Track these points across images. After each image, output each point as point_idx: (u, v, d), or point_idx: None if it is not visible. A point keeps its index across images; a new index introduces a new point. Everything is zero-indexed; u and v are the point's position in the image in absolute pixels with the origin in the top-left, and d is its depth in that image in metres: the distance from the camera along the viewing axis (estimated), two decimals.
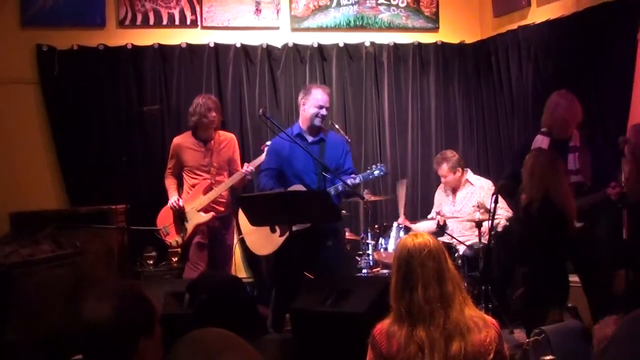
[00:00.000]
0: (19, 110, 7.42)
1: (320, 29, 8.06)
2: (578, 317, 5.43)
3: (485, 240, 6.51)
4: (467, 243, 6.96)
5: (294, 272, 5.90)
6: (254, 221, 5.93)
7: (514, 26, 7.62)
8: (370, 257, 6.89)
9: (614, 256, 5.34)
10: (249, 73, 7.84)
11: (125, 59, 7.58)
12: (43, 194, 7.42)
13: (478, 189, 7.20)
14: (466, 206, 7.19)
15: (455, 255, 6.76)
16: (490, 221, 6.19)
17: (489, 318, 3.23)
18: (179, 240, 6.67)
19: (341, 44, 8.02)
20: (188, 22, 7.76)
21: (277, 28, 7.97)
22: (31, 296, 5.62)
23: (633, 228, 5.01)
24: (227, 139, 6.80)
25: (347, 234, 7.14)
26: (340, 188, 5.91)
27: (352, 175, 6.00)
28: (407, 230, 6.95)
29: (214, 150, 6.67)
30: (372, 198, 7.15)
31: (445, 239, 7.01)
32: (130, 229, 6.91)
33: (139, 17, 7.66)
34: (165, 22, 7.71)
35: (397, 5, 8.20)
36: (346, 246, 7.20)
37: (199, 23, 7.80)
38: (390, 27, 8.21)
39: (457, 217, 7.21)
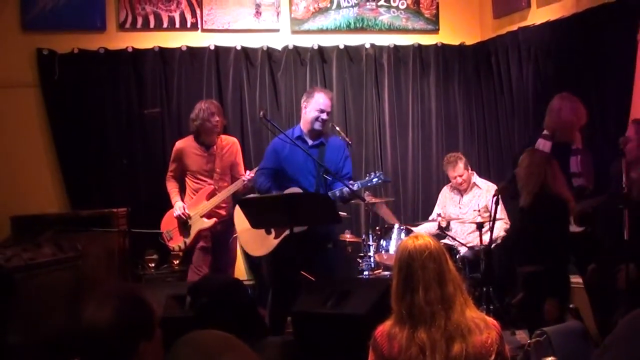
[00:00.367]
0: (20, 114, 7.43)
1: (321, 31, 8.06)
2: (579, 317, 5.42)
3: (486, 242, 6.50)
4: (469, 245, 6.95)
5: (290, 275, 5.91)
6: (255, 223, 5.93)
7: (514, 27, 7.62)
8: (372, 259, 6.89)
9: (615, 256, 5.33)
10: (250, 75, 7.84)
11: (126, 62, 7.59)
12: (44, 197, 7.43)
13: (485, 192, 7.21)
14: (471, 209, 7.19)
15: (457, 256, 6.76)
16: (491, 222, 6.18)
17: (490, 319, 3.23)
18: (182, 245, 6.67)
19: (341, 46, 8.02)
20: (188, 25, 7.76)
21: (278, 30, 7.98)
22: (33, 299, 5.62)
23: (634, 228, 5.01)
24: (230, 143, 6.80)
25: (348, 236, 7.16)
26: (337, 193, 5.90)
27: (351, 182, 5.98)
28: (408, 232, 6.95)
29: (217, 156, 6.66)
30: (373, 200, 7.15)
31: (446, 240, 7.01)
32: (132, 232, 6.91)
33: (140, 20, 7.66)
34: (165, 25, 7.72)
35: (397, 7, 8.20)
36: (347, 248, 7.22)
37: (199, 26, 7.80)
38: (390, 29, 8.21)
39: (461, 219, 7.21)
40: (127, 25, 7.65)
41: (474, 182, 7.32)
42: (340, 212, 6.16)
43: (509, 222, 7.09)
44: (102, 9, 7.59)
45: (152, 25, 7.69)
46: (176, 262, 7.03)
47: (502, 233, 7.00)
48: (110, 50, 7.56)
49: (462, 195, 7.36)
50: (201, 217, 6.58)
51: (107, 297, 2.40)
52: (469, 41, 8.29)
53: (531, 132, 7.16)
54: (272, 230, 6.08)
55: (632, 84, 6.17)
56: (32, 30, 7.44)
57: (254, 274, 7.40)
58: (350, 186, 5.91)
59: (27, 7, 7.42)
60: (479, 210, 7.02)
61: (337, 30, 8.11)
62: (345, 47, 8.03)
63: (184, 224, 6.63)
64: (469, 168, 7.35)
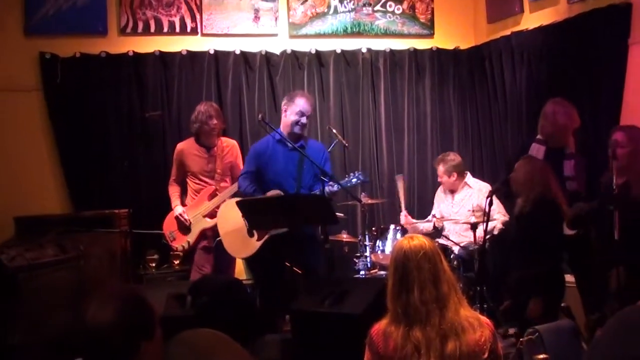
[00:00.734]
0: (23, 117, 7.43)
1: (318, 35, 8.07)
2: (570, 316, 5.44)
3: (480, 242, 6.51)
4: (463, 244, 6.96)
5: (274, 274, 5.94)
6: (253, 224, 5.95)
7: (508, 32, 7.63)
8: (368, 259, 6.90)
9: (607, 257, 5.34)
10: (249, 79, 7.85)
11: (127, 66, 7.59)
12: (47, 198, 7.43)
13: (476, 191, 7.20)
14: (464, 208, 7.19)
15: (451, 256, 6.76)
16: (485, 223, 6.20)
17: (483, 318, 3.25)
18: (185, 245, 6.69)
19: (338, 50, 8.03)
20: (188, 29, 7.77)
21: (276, 35, 7.99)
22: (36, 299, 5.63)
23: (624, 229, 5.02)
24: (230, 145, 6.82)
25: (345, 236, 7.17)
26: (318, 194, 5.93)
27: (330, 183, 5.99)
28: (404, 232, 6.96)
29: (217, 157, 6.68)
30: (370, 201, 7.17)
31: (441, 240, 7.02)
32: (133, 233, 6.91)
33: (140, 25, 7.67)
34: (166, 29, 7.72)
35: (393, 12, 8.21)
36: (344, 248, 7.22)
37: (199, 30, 7.81)
38: (386, 34, 8.22)
39: (454, 219, 7.22)
40: (128, 30, 7.65)
41: (466, 182, 7.31)
42: (337, 214, 6.19)
43: (507, 215, 7.07)
44: (104, 13, 7.59)
45: (152, 29, 7.70)
46: (176, 262, 7.03)
47: (499, 225, 6.99)
48: (112, 54, 7.56)
49: (453, 195, 7.36)
50: (204, 216, 6.59)
51: (108, 298, 2.41)
52: (464, 45, 8.30)
53: (524, 134, 7.18)
54: (255, 233, 6.11)
55: (623, 87, 6.19)
56: (35, 34, 7.44)
57: (253, 273, 7.40)
58: (330, 187, 5.93)
59: (31, 12, 7.42)
60: (473, 210, 7.02)
61: (334, 34, 8.12)
62: (342, 51, 8.04)
63: (185, 225, 6.64)
64: (454, 175, 7.24)
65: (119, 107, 7.57)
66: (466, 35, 8.36)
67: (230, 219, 6.23)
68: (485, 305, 6.26)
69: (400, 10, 8.23)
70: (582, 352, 4.03)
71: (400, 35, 8.25)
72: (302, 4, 8.03)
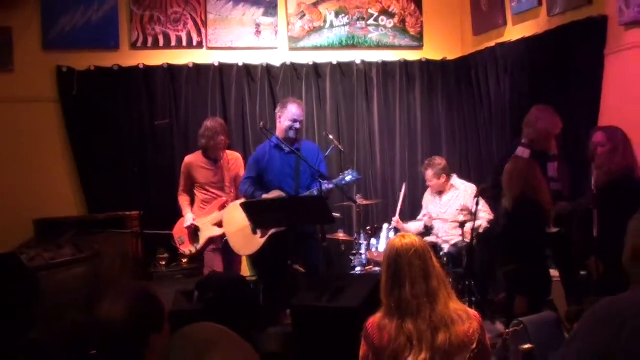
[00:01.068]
0: (42, 127, 7.42)
1: (315, 48, 8.06)
2: (554, 308, 5.42)
3: (468, 239, 6.50)
4: (452, 242, 6.95)
5: (278, 270, 5.93)
6: (257, 224, 5.94)
7: (492, 44, 7.61)
8: (363, 256, 6.88)
9: (586, 253, 5.33)
10: (251, 89, 7.83)
11: (138, 78, 7.58)
12: (64, 202, 7.42)
13: (462, 192, 7.19)
14: (451, 208, 7.17)
15: (441, 253, 6.75)
16: (472, 222, 6.18)
17: (471, 311, 3.24)
18: (193, 250, 6.65)
19: (334, 62, 8.02)
20: (194, 43, 7.76)
21: (276, 48, 7.97)
22: (53, 296, 5.60)
23: (602, 226, 5.02)
24: (235, 158, 6.77)
25: (341, 235, 7.15)
26: (315, 192, 5.93)
27: (325, 182, 5.98)
28: (396, 231, 6.95)
29: (224, 169, 6.64)
30: (364, 202, 7.15)
31: (431, 238, 7.01)
32: (144, 233, 6.90)
33: (150, 40, 7.66)
34: (173, 43, 7.71)
35: (384, 26, 8.20)
36: (341, 246, 7.22)
37: (204, 44, 7.79)
38: (379, 46, 8.21)
39: (442, 219, 7.20)
40: (139, 44, 7.64)
41: (452, 184, 7.29)
42: (334, 214, 6.18)
43: (492, 214, 7.06)
44: (116, 29, 7.59)
45: (161, 44, 7.69)
46: (185, 260, 7.01)
47: (485, 224, 6.98)
48: (124, 67, 7.55)
49: (440, 197, 7.34)
50: (213, 225, 6.55)
51: (120, 295, 2.40)
52: (451, 56, 8.29)
53: (508, 138, 7.17)
54: (258, 231, 6.09)
55: (600, 95, 6.17)
56: (52, 49, 7.43)
57: (256, 270, 7.38)
58: (326, 185, 5.92)
59: (48, 28, 7.42)
60: (460, 210, 7.01)
61: (330, 47, 8.11)
62: (338, 63, 8.03)
63: (195, 230, 6.61)
64: (442, 177, 7.21)
65: (130, 116, 7.56)
66: (453, 47, 8.35)
67: (235, 220, 6.21)
68: (473, 299, 6.25)
69: (392, 24, 8.22)
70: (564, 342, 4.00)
71: (392, 47, 8.24)
72: (300, 19, 8.02)
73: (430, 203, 7.42)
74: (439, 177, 7.20)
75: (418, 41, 8.29)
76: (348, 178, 6.06)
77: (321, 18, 8.07)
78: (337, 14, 8.10)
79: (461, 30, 8.35)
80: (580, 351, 2.14)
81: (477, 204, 5.94)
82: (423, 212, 7.47)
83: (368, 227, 7.19)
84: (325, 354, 4.73)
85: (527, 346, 3.02)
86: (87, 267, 6.20)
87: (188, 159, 6.74)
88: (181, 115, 7.66)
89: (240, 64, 7.78)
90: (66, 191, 7.48)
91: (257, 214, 5.83)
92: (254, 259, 6.64)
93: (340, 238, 7.15)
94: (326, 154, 6.70)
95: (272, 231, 6.03)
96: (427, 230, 7.21)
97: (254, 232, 6.11)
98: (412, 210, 7.84)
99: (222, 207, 6.57)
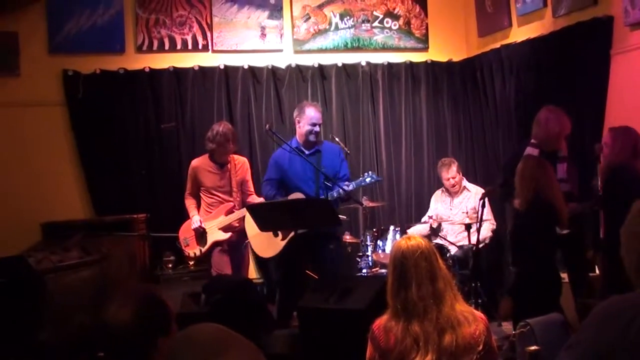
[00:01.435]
0: (48, 131, 7.44)
1: (320, 50, 8.07)
2: (560, 310, 5.42)
3: (474, 242, 6.50)
4: (458, 244, 6.95)
5: (296, 273, 5.94)
6: (262, 227, 5.95)
7: (497, 45, 7.61)
8: (370, 258, 6.89)
9: (593, 253, 5.34)
10: (256, 92, 7.84)
11: (144, 81, 7.60)
12: (71, 205, 7.43)
13: (474, 195, 7.20)
14: (461, 210, 7.20)
15: (447, 255, 6.75)
16: (478, 223, 6.19)
17: (477, 313, 3.24)
18: (197, 252, 6.64)
19: (340, 64, 8.02)
20: (200, 46, 7.77)
21: (281, 50, 7.98)
22: (61, 299, 5.62)
23: (608, 227, 5.01)
24: (241, 163, 6.75)
25: (348, 237, 7.17)
26: (335, 195, 5.96)
27: (346, 183, 6.02)
28: (402, 232, 6.95)
29: (230, 173, 6.64)
30: (371, 204, 7.16)
31: (438, 240, 7.01)
32: (151, 236, 6.91)
33: (155, 43, 7.67)
34: (179, 47, 7.72)
35: (390, 28, 8.21)
36: (347, 248, 7.23)
37: (209, 47, 7.81)
38: (384, 48, 8.21)
39: (450, 221, 7.22)
40: (144, 48, 7.66)
41: (464, 186, 7.33)
42: (340, 216, 6.20)
43: (495, 223, 7.10)
44: (122, 33, 7.60)
45: (167, 47, 7.70)
46: (191, 263, 7.01)
47: (490, 234, 7.00)
48: (130, 70, 7.56)
49: (452, 198, 7.36)
50: (219, 229, 6.56)
51: (127, 298, 2.40)
52: (456, 58, 8.29)
53: (514, 140, 7.17)
54: (279, 233, 6.10)
55: (606, 95, 6.17)
56: (58, 53, 7.45)
57: (263, 273, 7.40)
58: (345, 187, 5.95)
59: (54, 32, 7.44)
60: (467, 212, 7.03)
61: (335, 49, 8.11)
62: (343, 65, 8.04)
63: (201, 233, 6.61)
64: (461, 172, 7.35)
65: (136, 119, 7.57)
66: (459, 49, 8.35)
67: None
68: (479, 300, 6.25)
69: (397, 26, 8.23)
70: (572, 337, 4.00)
71: (397, 49, 8.25)
72: (305, 21, 8.03)
73: (441, 204, 7.43)
74: (460, 172, 7.26)
75: (423, 43, 8.30)
76: (368, 180, 6.12)
77: (326, 20, 8.08)
78: (342, 17, 8.11)
79: (466, 31, 8.36)
80: (586, 347, 2.14)
81: (483, 205, 5.93)
82: (430, 212, 7.47)
83: (374, 229, 7.19)
84: (331, 356, 4.74)
85: (533, 348, 3.02)
86: (95, 270, 6.22)
87: (195, 162, 6.74)
88: (187, 118, 7.68)
89: (246, 66, 7.79)
90: (73, 194, 7.49)
91: (262, 216, 5.85)
92: (275, 260, 6.64)
93: (347, 240, 7.17)
94: None
95: (292, 234, 6.04)
96: (434, 232, 7.20)
97: (275, 235, 6.12)
98: (418, 211, 7.85)
99: (229, 211, 6.56)
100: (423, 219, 7.51)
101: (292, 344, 5.30)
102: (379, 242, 7.06)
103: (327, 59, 8.04)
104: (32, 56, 7.39)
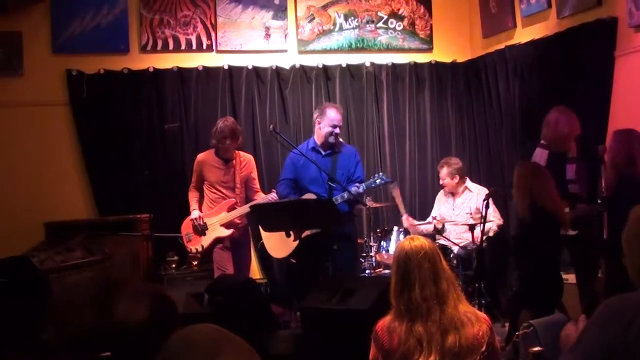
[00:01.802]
0: (52, 130, 7.46)
1: (325, 51, 8.08)
2: (563, 310, 5.42)
3: (478, 242, 6.51)
4: (462, 244, 6.96)
5: (308, 274, 5.97)
6: (265, 227, 5.97)
7: (502, 46, 7.61)
8: (373, 259, 6.89)
9: (598, 254, 5.34)
10: (260, 92, 7.86)
11: (148, 81, 7.62)
12: (74, 205, 7.45)
13: (476, 195, 7.21)
14: (464, 211, 7.20)
15: (451, 256, 6.76)
16: (482, 224, 6.19)
17: (481, 313, 3.25)
18: (199, 248, 6.66)
19: (344, 65, 8.04)
20: (204, 46, 7.78)
21: (285, 51, 7.99)
22: (64, 299, 5.63)
23: (611, 228, 5.01)
24: (246, 160, 6.76)
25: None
26: (346, 196, 6.00)
27: (357, 184, 6.07)
28: (406, 233, 6.96)
29: (235, 170, 6.65)
30: (374, 205, 7.16)
31: (441, 241, 7.01)
32: (154, 236, 6.92)
33: (160, 43, 7.69)
34: (183, 47, 7.74)
35: (394, 29, 8.21)
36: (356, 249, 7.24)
37: (214, 47, 7.82)
38: (388, 49, 8.22)
39: (454, 221, 7.22)
40: (149, 48, 7.67)
41: (466, 186, 7.32)
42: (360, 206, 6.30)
43: (501, 220, 7.08)
44: (126, 33, 7.62)
45: (171, 47, 7.72)
46: (195, 263, 7.03)
47: (495, 227, 6.99)
48: (134, 70, 7.58)
49: (454, 198, 7.36)
50: (220, 225, 6.57)
51: (138, 296, 2.39)
52: (461, 59, 8.30)
53: (518, 141, 7.18)
54: (292, 234, 6.12)
55: (610, 97, 6.17)
56: (62, 53, 7.47)
57: (267, 273, 7.41)
58: (356, 188, 5.99)
59: (58, 32, 7.45)
60: (471, 213, 7.03)
61: (339, 50, 8.12)
62: (347, 65, 8.05)
63: (202, 229, 6.62)
64: (455, 177, 7.26)
65: (140, 119, 7.59)
66: (463, 50, 8.35)
67: None
68: (483, 301, 6.25)
69: (401, 27, 8.23)
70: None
71: (401, 50, 8.25)
72: (309, 22, 8.04)
73: (443, 205, 7.44)
74: (452, 177, 7.23)
75: (427, 44, 8.30)
76: (378, 181, 6.20)
77: (330, 21, 8.09)
78: (346, 17, 8.12)
79: (470, 32, 8.36)
80: (589, 346, 2.16)
81: (487, 206, 5.93)
82: (433, 212, 7.48)
83: (378, 230, 7.19)
84: (334, 356, 4.75)
85: (536, 349, 3.02)
86: (98, 270, 6.24)
87: (200, 156, 6.75)
88: (191, 118, 7.69)
89: (250, 67, 7.81)
90: (77, 194, 7.51)
91: (265, 216, 5.87)
92: (269, 260, 6.66)
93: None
94: None
95: (305, 233, 6.06)
96: (437, 233, 7.21)
97: (287, 235, 6.15)
98: (422, 211, 7.85)
99: (231, 208, 6.58)
100: (427, 219, 7.51)
101: (295, 344, 5.32)
102: (383, 243, 7.05)
103: (332, 60, 8.06)
104: (36, 56, 7.42)
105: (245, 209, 6.51)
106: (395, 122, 8.12)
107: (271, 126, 6.57)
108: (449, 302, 3.14)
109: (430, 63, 8.23)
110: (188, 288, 5.78)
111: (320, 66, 7.98)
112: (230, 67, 7.77)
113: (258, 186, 6.77)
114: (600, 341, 2.13)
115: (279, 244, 6.30)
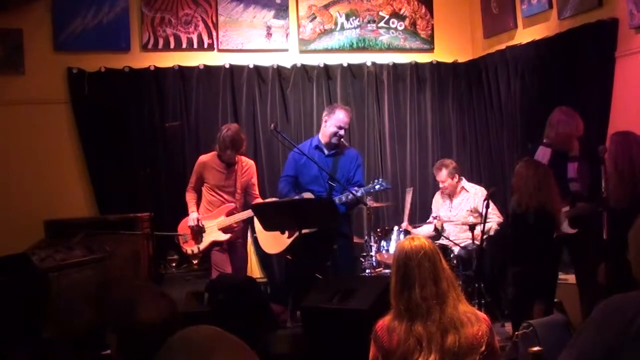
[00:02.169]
0: (53, 128, 7.47)
1: (326, 50, 8.09)
2: (562, 310, 5.44)
3: (478, 241, 6.52)
4: (462, 245, 6.96)
5: (307, 273, 5.98)
6: (266, 226, 5.97)
7: (503, 46, 7.62)
8: (373, 259, 6.89)
9: (597, 255, 5.35)
10: (261, 91, 7.86)
11: (149, 79, 7.62)
12: (75, 203, 7.46)
13: (472, 195, 7.22)
14: (462, 211, 7.20)
15: (451, 256, 6.76)
16: (482, 224, 6.20)
17: (480, 313, 3.25)
18: (195, 250, 6.64)
19: (345, 64, 8.05)
20: (205, 45, 7.79)
21: (287, 50, 8.00)
22: (65, 297, 5.65)
23: (611, 229, 5.02)
24: (248, 165, 6.72)
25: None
26: (343, 199, 6.01)
27: (356, 188, 6.08)
28: (407, 233, 6.97)
29: (236, 174, 6.64)
30: (375, 205, 7.16)
31: (442, 241, 7.02)
32: (154, 235, 6.92)
33: (161, 42, 7.70)
34: (184, 45, 7.75)
35: (395, 29, 8.23)
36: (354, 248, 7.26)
37: (215, 46, 7.83)
38: (389, 48, 8.23)
39: (453, 221, 7.23)
40: (150, 46, 7.68)
41: (462, 187, 7.33)
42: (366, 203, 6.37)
43: (501, 217, 7.09)
44: (127, 31, 7.63)
45: (172, 45, 7.72)
46: (195, 261, 7.03)
47: (495, 226, 7.00)
48: (135, 69, 7.59)
49: (451, 200, 7.36)
50: (218, 229, 6.56)
51: (157, 296, 2.39)
52: (462, 59, 8.31)
53: (519, 141, 7.19)
54: (286, 231, 6.14)
55: (611, 97, 6.18)
56: (63, 51, 7.48)
57: (267, 272, 7.42)
58: (355, 192, 6.01)
59: (59, 30, 7.46)
60: (470, 211, 7.03)
61: (341, 49, 8.13)
62: (349, 65, 8.06)
63: (200, 231, 6.62)
64: (455, 176, 7.28)
65: (141, 117, 7.60)
66: (464, 50, 8.36)
67: None
68: (483, 301, 6.26)
69: (403, 27, 8.24)
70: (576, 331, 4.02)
71: (403, 49, 8.26)
72: (311, 21, 8.05)
73: (440, 206, 7.44)
74: (452, 176, 7.24)
75: (429, 44, 8.31)
76: (377, 187, 6.22)
77: (332, 20, 8.09)
78: (347, 17, 8.13)
79: (472, 33, 8.37)
80: (588, 344, 2.17)
81: (487, 206, 5.95)
82: (433, 214, 7.49)
83: (378, 230, 7.20)
84: (334, 356, 4.76)
85: (536, 349, 3.03)
86: (98, 269, 6.25)
87: (203, 158, 6.73)
88: (192, 117, 7.70)
89: (251, 66, 7.82)
90: (77, 192, 7.52)
91: (265, 215, 5.88)
92: (269, 259, 6.68)
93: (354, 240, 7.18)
94: None
95: (299, 232, 6.07)
96: (437, 233, 7.22)
97: (282, 232, 6.16)
98: (422, 213, 7.86)
99: (230, 213, 6.56)
100: (428, 220, 7.51)
101: (295, 344, 5.33)
102: (383, 243, 7.06)
103: (333, 59, 8.07)
104: (37, 54, 7.42)
105: (244, 214, 6.50)
106: (396, 121, 8.13)
107: (272, 125, 6.58)
108: (449, 302, 3.14)
109: (431, 63, 8.24)
110: (188, 287, 5.79)
111: (322, 66, 7.99)
112: (231, 66, 7.78)
113: (257, 192, 6.74)
114: (598, 341, 2.14)
115: (272, 240, 6.31)
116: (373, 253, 6.92)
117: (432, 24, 8.31)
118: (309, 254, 6.06)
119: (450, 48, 8.37)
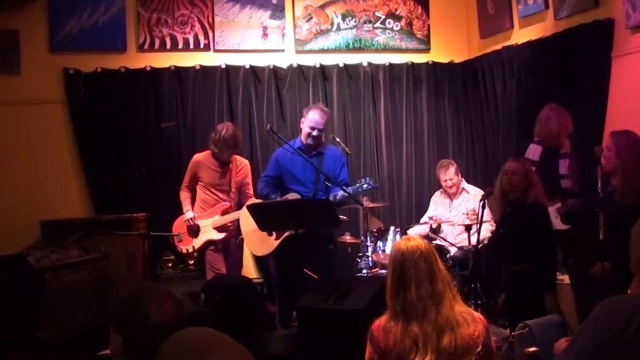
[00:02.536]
0: (49, 128, 7.45)
1: (322, 51, 8.08)
2: (558, 310, 5.44)
3: (473, 245, 6.52)
4: (458, 245, 6.96)
5: (294, 273, 5.97)
6: (262, 226, 5.96)
7: (499, 47, 7.62)
8: (370, 259, 6.90)
9: (591, 254, 5.35)
10: (257, 92, 7.86)
11: (145, 80, 7.61)
12: (70, 203, 7.44)
13: (472, 196, 7.22)
14: (460, 212, 7.21)
15: (447, 256, 6.76)
16: (478, 224, 6.20)
17: (476, 314, 3.25)
18: (190, 249, 6.64)
19: (341, 65, 8.04)
20: (201, 46, 7.78)
21: (283, 50, 8.00)
22: (60, 297, 5.64)
23: (608, 229, 5.02)
24: (243, 165, 6.73)
25: (348, 237, 7.19)
26: (332, 198, 5.99)
27: (343, 188, 6.05)
28: (402, 233, 6.97)
29: (231, 173, 6.63)
30: (371, 205, 7.17)
31: (437, 241, 7.02)
32: (150, 235, 6.90)
33: (157, 42, 7.69)
34: (180, 46, 7.74)
35: (391, 29, 8.22)
36: (347, 248, 7.25)
37: (211, 47, 7.82)
38: (385, 49, 8.23)
39: (450, 222, 7.23)
40: (146, 47, 7.67)
41: (463, 187, 7.34)
42: (340, 216, 6.22)
43: (494, 225, 7.10)
44: (123, 32, 7.62)
45: (168, 46, 7.72)
46: (191, 262, 7.02)
47: (488, 234, 7.01)
48: (131, 69, 7.58)
49: (451, 200, 7.37)
50: (213, 228, 6.56)
51: (164, 296, 2.39)
52: (458, 59, 8.31)
53: (515, 141, 7.19)
54: (273, 232, 6.13)
55: (607, 97, 6.18)
56: (59, 51, 7.46)
57: (263, 272, 7.41)
58: (342, 192, 5.99)
59: (55, 30, 7.45)
60: (467, 213, 7.04)
61: (337, 50, 8.13)
62: (345, 65, 8.05)
63: (195, 230, 6.61)
64: (460, 174, 7.38)
65: (137, 118, 7.59)
66: (460, 50, 8.37)
67: (251, 220, 6.22)
68: (479, 302, 6.26)
69: (399, 27, 8.24)
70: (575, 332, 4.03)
71: (399, 50, 8.26)
72: (307, 21, 8.04)
73: (440, 206, 7.44)
74: (459, 174, 7.29)
75: (425, 44, 8.31)
76: (365, 186, 6.18)
77: (328, 21, 8.09)
78: (344, 17, 8.12)
79: (468, 33, 8.37)
80: (585, 345, 2.16)
81: (484, 206, 5.96)
82: (429, 213, 7.48)
83: (374, 230, 7.20)
84: (330, 356, 4.75)
85: (532, 349, 3.03)
86: (94, 269, 6.24)
87: (197, 157, 6.73)
88: (188, 117, 7.69)
89: (247, 66, 7.81)
90: (73, 193, 7.51)
91: (263, 216, 5.86)
92: (269, 259, 6.66)
93: (347, 241, 7.18)
94: None
95: (286, 233, 6.07)
96: (433, 233, 7.22)
97: (269, 234, 6.14)
98: (417, 213, 7.86)
99: (225, 212, 6.56)
100: (422, 220, 7.51)
101: (291, 344, 5.31)
102: (379, 243, 7.07)
103: (329, 60, 8.06)
104: (33, 54, 7.41)
105: (239, 213, 6.49)
106: (392, 122, 8.13)
107: (268, 125, 6.56)
108: (445, 302, 3.14)
109: (427, 63, 8.24)
110: (184, 287, 5.77)
111: (318, 66, 7.98)
112: (227, 67, 7.77)
113: (252, 192, 6.74)
114: (596, 342, 2.13)
115: (259, 242, 6.29)
116: (369, 253, 6.93)
117: (428, 24, 8.31)
118: (292, 255, 6.05)
119: (447, 48, 8.37)
